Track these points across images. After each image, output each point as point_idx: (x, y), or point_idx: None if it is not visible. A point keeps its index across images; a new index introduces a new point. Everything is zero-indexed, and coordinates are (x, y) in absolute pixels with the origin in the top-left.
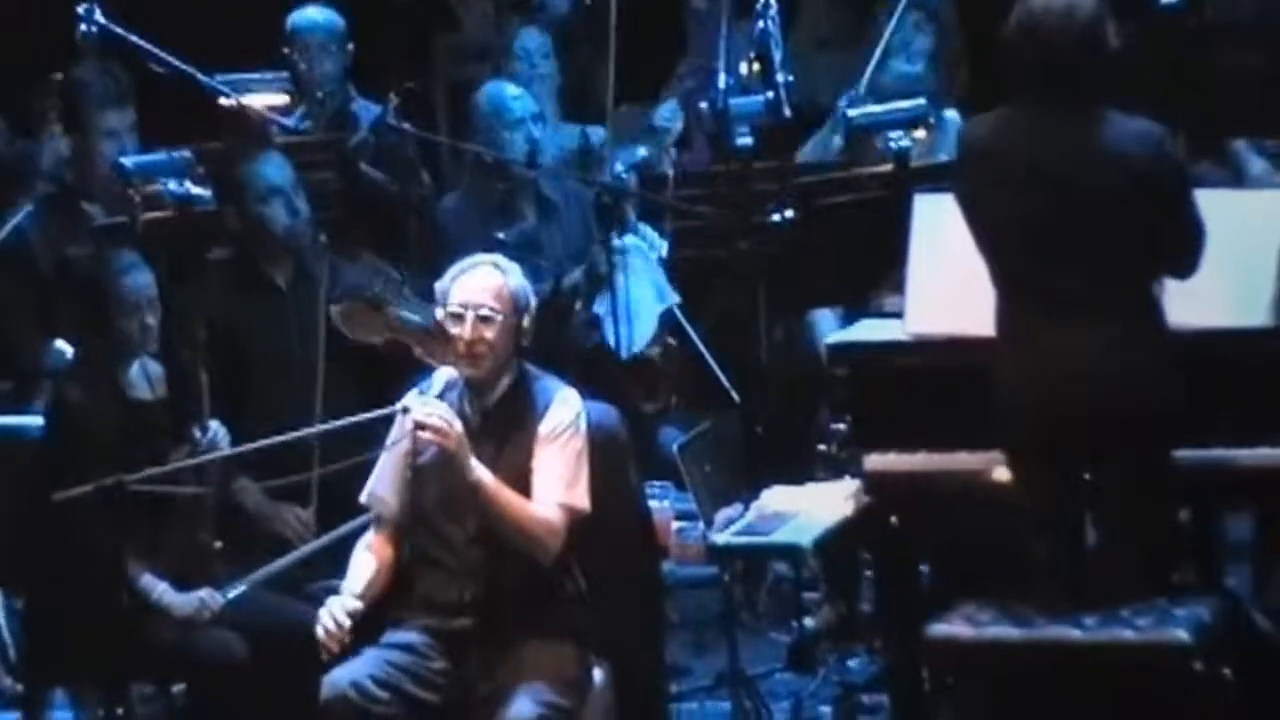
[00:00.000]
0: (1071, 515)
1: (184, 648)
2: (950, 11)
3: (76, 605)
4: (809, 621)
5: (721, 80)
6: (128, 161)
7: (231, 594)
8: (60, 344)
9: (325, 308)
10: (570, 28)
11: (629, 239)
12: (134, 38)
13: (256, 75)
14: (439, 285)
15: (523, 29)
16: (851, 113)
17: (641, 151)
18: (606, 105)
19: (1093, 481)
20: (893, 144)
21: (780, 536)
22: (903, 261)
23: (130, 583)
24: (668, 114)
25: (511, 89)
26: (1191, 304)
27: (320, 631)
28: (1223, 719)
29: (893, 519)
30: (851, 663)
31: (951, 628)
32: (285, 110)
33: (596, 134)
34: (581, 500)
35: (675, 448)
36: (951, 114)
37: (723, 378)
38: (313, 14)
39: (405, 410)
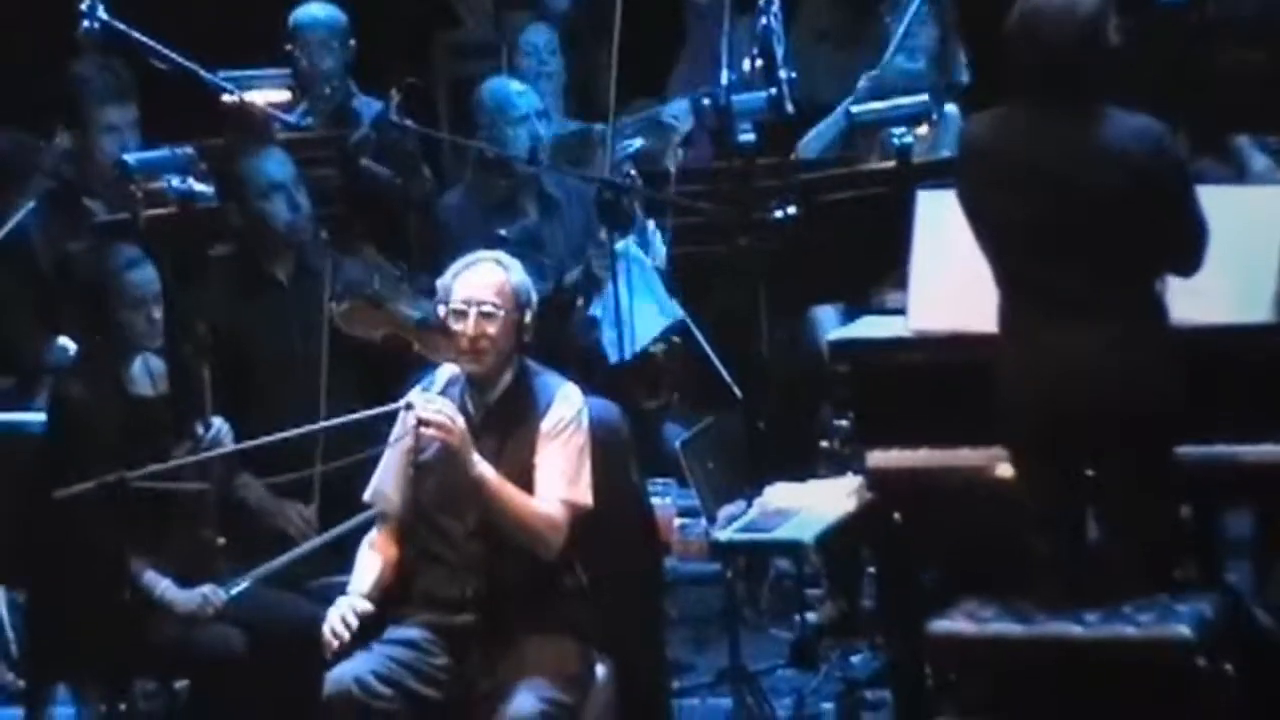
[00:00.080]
0: (1073, 512)
1: (186, 644)
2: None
3: (79, 602)
4: (811, 618)
5: (724, 76)
6: (130, 158)
7: (234, 590)
8: (62, 340)
9: (327, 304)
10: (571, 24)
11: (630, 246)
12: (136, 34)
13: (258, 71)
14: (441, 282)
15: (530, 24)
16: (854, 109)
17: (639, 142)
18: (609, 102)
19: (1094, 478)
20: (895, 140)
21: (782, 533)
22: (905, 258)
23: (133, 579)
24: (678, 113)
25: (515, 85)
26: (1193, 301)
27: (327, 631)
28: (1224, 715)
29: (895, 515)
30: (854, 659)
31: (953, 624)
32: (287, 106)
33: (601, 132)
34: (583, 496)
35: (678, 444)
36: (953, 110)
37: (725, 374)
38: (314, 10)
39: (408, 406)
